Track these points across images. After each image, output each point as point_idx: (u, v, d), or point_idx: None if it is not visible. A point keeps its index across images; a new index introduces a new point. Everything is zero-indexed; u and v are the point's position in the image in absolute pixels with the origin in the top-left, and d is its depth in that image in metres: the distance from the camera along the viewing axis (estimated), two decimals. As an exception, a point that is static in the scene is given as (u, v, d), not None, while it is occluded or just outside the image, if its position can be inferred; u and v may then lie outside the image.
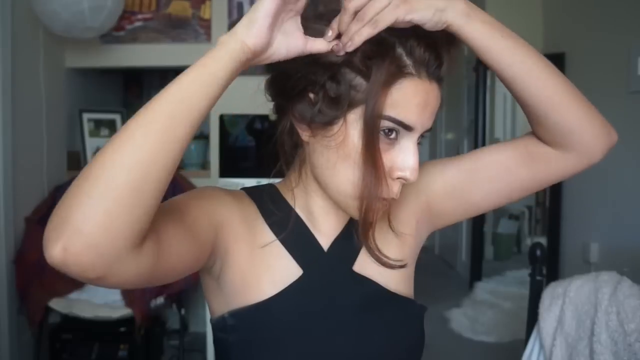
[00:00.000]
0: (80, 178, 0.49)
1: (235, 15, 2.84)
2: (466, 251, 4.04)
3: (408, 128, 0.62)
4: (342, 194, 0.66)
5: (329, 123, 0.63)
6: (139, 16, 2.85)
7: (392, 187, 0.64)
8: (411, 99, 0.62)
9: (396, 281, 0.73)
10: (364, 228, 0.65)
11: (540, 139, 0.71)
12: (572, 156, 0.70)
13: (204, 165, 2.98)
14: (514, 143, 0.74)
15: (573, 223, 2.96)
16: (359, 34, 0.59)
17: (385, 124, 0.62)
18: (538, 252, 1.57)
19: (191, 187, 2.70)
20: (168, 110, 0.54)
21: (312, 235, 0.72)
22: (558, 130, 0.68)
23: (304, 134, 0.66)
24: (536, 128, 0.70)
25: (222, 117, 2.69)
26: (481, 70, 3.42)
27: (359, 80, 0.62)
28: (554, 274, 2.95)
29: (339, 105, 0.62)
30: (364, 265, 0.72)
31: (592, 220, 2.74)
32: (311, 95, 0.64)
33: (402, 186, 0.66)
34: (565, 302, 1.47)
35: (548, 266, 2.91)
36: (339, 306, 0.69)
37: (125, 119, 3.00)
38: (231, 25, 2.81)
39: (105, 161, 0.49)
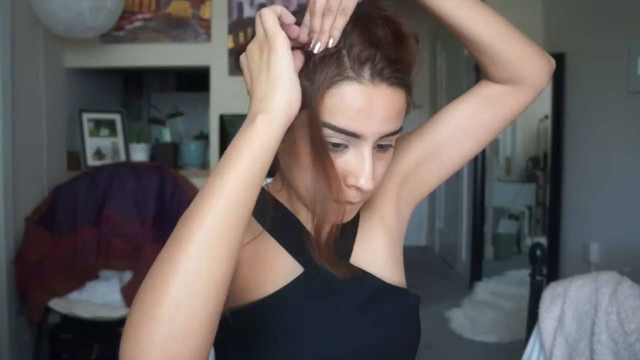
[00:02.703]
0: (150, 291, 0.49)
1: (235, 15, 2.84)
2: (466, 251, 4.04)
3: (354, 135, 0.60)
4: (302, 196, 0.67)
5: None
6: (139, 16, 2.85)
7: (347, 192, 0.63)
8: (350, 106, 0.59)
9: (390, 270, 0.74)
10: (316, 232, 0.65)
11: (492, 79, 0.75)
12: (523, 88, 0.75)
13: (204, 165, 2.98)
14: (468, 94, 0.77)
15: (573, 223, 2.95)
16: (335, 27, 0.59)
17: (328, 132, 0.60)
18: (538, 252, 1.56)
19: (191, 187, 2.70)
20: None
21: (308, 233, 0.72)
22: (507, 64, 0.72)
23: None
24: (488, 69, 0.74)
25: (222, 117, 2.69)
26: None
27: (304, 83, 0.59)
28: (554, 274, 2.95)
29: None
30: (358, 258, 0.73)
31: (592, 220, 2.73)
32: None
33: (360, 192, 0.64)
34: (566, 302, 1.47)
35: (548, 266, 2.91)
36: (339, 302, 0.69)
37: (125, 118, 3.00)
38: (231, 25, 2.82)
39: (201, 273, 0.49)
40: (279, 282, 0.68)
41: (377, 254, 0.75)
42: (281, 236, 0.71)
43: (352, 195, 0.63)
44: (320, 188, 0.61)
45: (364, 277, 0.72)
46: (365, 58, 0.59)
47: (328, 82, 0.59)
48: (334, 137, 0.60)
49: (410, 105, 0.65)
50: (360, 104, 0.59)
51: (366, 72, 0.59)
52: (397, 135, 0.64)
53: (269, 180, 0.77)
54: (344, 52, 0.59)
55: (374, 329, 0.69)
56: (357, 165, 0.62)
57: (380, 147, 0.64)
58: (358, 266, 0.72)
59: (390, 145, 0.65)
